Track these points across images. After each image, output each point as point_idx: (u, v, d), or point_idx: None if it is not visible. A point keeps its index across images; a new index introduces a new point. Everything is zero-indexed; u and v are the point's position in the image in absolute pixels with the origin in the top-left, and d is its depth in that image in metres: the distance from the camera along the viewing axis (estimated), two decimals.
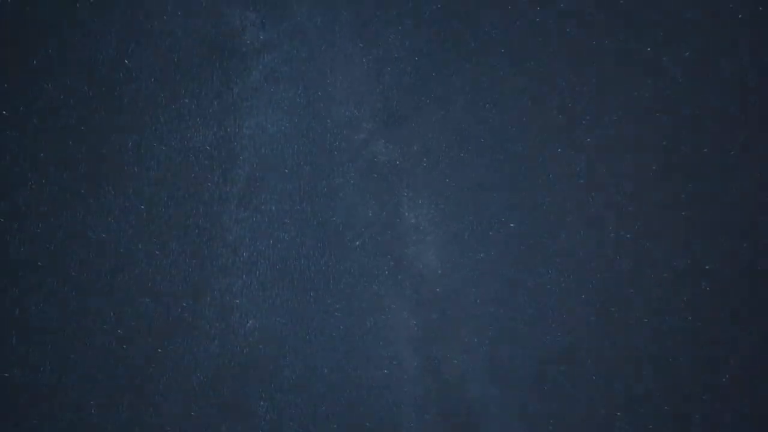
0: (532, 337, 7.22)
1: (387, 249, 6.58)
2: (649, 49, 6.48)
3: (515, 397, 6.99)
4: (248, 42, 5.95)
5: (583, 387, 6.99)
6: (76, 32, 5.50)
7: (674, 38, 6.58)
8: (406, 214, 6.56)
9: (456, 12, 6.16)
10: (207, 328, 6.02)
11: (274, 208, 6.11)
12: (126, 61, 5.48)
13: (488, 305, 6.84)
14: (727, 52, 6.66)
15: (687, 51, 6.49)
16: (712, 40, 6.59)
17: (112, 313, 5.74)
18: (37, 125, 5.53)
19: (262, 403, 6.16)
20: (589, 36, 6.63)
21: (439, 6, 6.03)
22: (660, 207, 6.81)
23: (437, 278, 6.75)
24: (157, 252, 5.74)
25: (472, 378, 7.02)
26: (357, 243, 6.44)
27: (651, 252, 7.03)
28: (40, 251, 5.60)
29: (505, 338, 7.06)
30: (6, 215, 5.36)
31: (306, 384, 6.35)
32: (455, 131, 6.48)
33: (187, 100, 5.73)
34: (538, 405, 7.03)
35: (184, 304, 5.82)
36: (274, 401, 6.24)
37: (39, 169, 5.57)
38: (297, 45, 5.93)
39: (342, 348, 6.53)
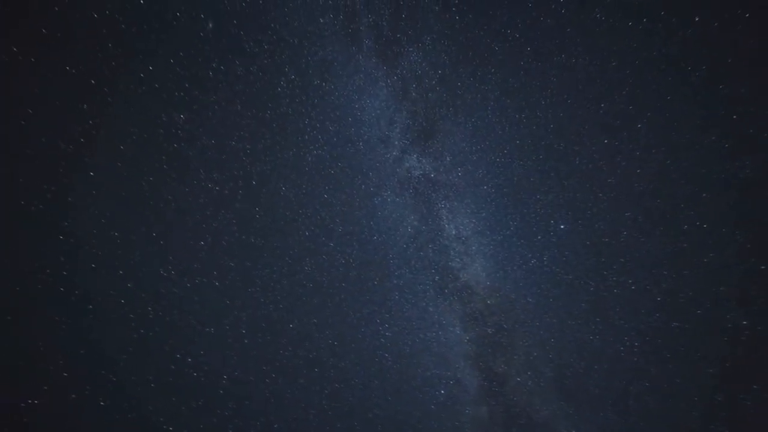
0: (604, 346, 4.57)
1: (430, 263, 4.60)
2: (678, 50, 4.22)
3: (592, 416, 4.38)
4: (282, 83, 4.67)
5: (666, 402, 4.25)
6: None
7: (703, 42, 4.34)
8: (447, 226, 4.66)
9: (474, 21, 4.39)
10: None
11: (308, 233, 4.51)
12: None
13: (548, 315, 4.41)
14: None
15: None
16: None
17: None
18: None
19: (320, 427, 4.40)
20: (616, 31, 4.50)
21: (456, 17, 4.31)
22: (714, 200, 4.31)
23: (487, 289, 4.55)
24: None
25: (540, 396, 4.49)
26: (399, 260, 4.55)
27: (722, 249, 4.38)
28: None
29: (573, 350, 4.49)
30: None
31: (360, 409, 4.35)
32: (488, 137, 4.56)
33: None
34: (618, 425, 4.36)
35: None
36: (333, 428, 4.41)
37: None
38: (325, 78, 4.48)
39: (395, 369, 4.48)
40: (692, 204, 4.88)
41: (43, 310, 4.85)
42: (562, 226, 4.78)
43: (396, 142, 5.17)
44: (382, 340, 4.90)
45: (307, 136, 5.10)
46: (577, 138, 5.09)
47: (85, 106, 4.97)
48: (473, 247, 4.93)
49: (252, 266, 5.27)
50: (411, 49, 5.12)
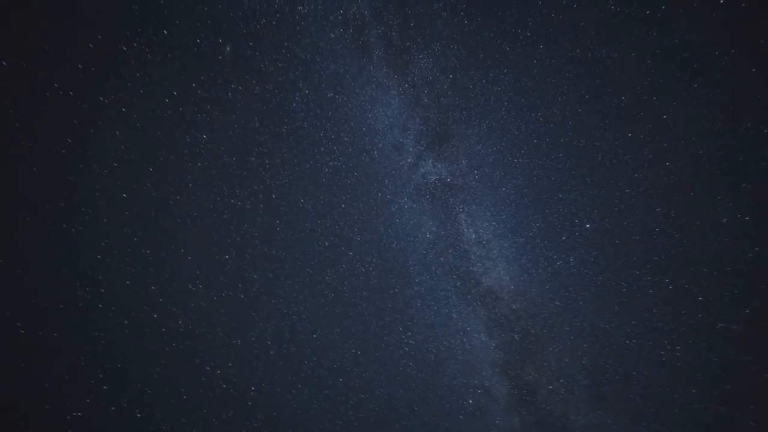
0: (642, 351, 4.01)
1: (451, 269, 4.27)
2: (696, 48, 3.79)
3: (632, 427, 3.82)
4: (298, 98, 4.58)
5: (708, 411, 3.64)
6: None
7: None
8: (466, 230, 4.32)
9: (483, 23, 4.13)
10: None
11: (328, 243, 4.31)
12: None
13: (579, 318, 3.93)
14: None
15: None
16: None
17: None
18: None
19: None
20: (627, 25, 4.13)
21: (465, 21, 4.05)
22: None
23: (511, 294, 4.14)
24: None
25: (575, 405, 3.98)
26: (420, 266, 4.25)
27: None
28: None
29: (608, 355, 3.96)
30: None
31: (387, 420, 4.02)
32: (504, 138, 4.23)
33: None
34: None
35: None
36: None
37: None
38: (338, 90, 4.33)
39: (420, 377, 4.12)
40: (731, 195, 4.31)
41: (80, 325, 4.83)
42: (587, 226, 4.32)
43: (410, 149, 4.91)
44: (405, 348, 4.56)
45: (323, 148, 4.93)
46: (599, 133, 4.64)
47: (117, 132, 5.01)
48: (495, 251, 4.54)
49: (274, 278, 5.09)
50: (421, 56, 4.88)
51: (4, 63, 4.27)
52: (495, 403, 4.49)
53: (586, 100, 4.73)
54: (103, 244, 5.10)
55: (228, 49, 5.05)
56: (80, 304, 5.11)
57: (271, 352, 5.23)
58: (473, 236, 4.75)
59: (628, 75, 4.70)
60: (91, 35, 4.88)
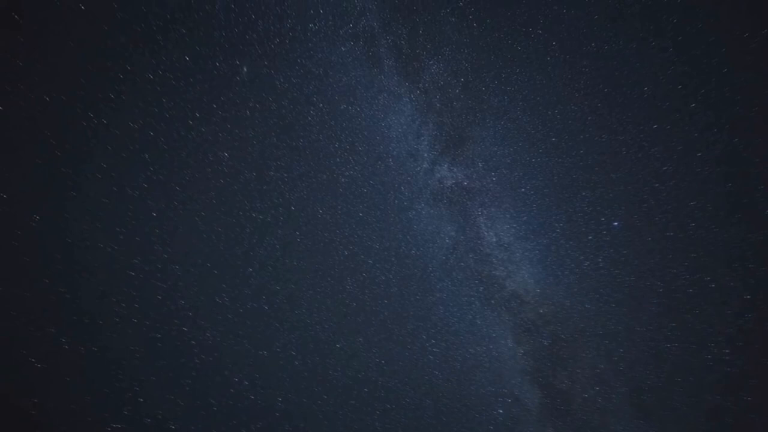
0: (685, 355, 3.49)
1: (473, 273, 3.94)
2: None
3: None
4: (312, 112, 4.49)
5: (754, 419, 3.07)
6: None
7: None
8: (486, 233, 3.99)
9: (493, 25, 3.89)
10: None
11: (347, 252, 4.13)
12: None
13: (612, 322, 3.48)
14: None
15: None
16: None
17: None
18: None
19: None
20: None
21: (474, 25, 3.83)
22: None
23: (538, 298, 3.75)
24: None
25: (614, 414, 3.49)
26: (440, 272, 3.95)
27: None
28: None
29: (648, 361, 3.46)
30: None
31: (414, 430, 3.68)
32: (520, 138, 3.93)
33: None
34: None
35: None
36: None
37: None
38: (350, 102, 4.21)
39: (446, 387, 3.78)
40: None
41: (116, 340, 4.80)
42: (615, 224, 3.89)
43: (425, 155, 4.67)
44: (430, 356, 4.23)
45: (338, 159, 4.76)
46: (621, 127, 4.22)
47: (146, 155, 5.04)
48: (517, 254, 4.17)
49: (296, 288, 4.91)
50: (431, 62, 4.66)
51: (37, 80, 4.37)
52: (527, 412, 4.06)
53: (605, 94, 4.33)
54: (135, 261, 5.11)
55: (245, 69, 5.04)
56: (116, 320, 5.10)
57: (296, 363, 5.02)
58: (494, 239, 4.39)
59: (650, 65, 4.28)
60: (121, 67, 4.97)
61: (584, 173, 4.23)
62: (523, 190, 4.33)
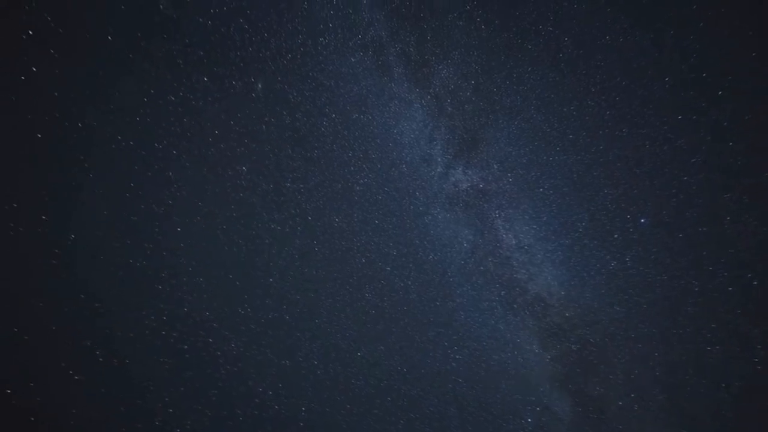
0: (729, 359, 3.04)
1: (493, 277, 3.66)
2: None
3: None
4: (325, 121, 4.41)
5: None
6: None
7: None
8: (505, 236, 3.73)
9: (502, 25, 3.68)
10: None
11: (364, 260, 3.97)
12: None
13: (645, 324, 3.11)
14: None
15: None
16: None
17: None
18: None
19: None
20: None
21: (482, 27, 3.64)
22: None
23: (563, 300, 3.42)
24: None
25: (653, 424, 3.08)
26: (459, 277, 3.70)
27: None
28: None
29: (688, 365, 3.03)
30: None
31: None
32: (536, 137, 3.67)
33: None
34: None
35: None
36: None
37: None
38: (362, 111, 4.07)
39: (471, 395, 3.50)
40: None
41: (147, 352, 4.76)
42: (642, 220, 3.54)
43: (439, 159, 4.48)
44: (453, 364, 3.95)
45: (352, 167, 4.61)
46: (643, 120, 3.88)
47: (170, 174, 5.06)
48: (538, 256, 3.86)
49: (316, 297, 4.75)
50: (441, 66, 4.48)
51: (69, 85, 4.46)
52: (558, 421, 3.70)
53: (623, 86, 4.01)
54: (163, 275, 5.09)
55: (260, 86, 5.02)
56: (146, 332, 5.09)
57: (319, 372, 4.84)
58: (513, 242, 4.10)
59: (670, 53, 3.94)
60: (146, 91, 5.04)
61: (605, 170, 3.90)
62: (541, 189, 4.04)
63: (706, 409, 3.55)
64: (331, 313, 5.02)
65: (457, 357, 4.15)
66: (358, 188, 4.95)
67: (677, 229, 3.87)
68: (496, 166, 4.39)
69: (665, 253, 3.87)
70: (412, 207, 4.70)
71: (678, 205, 4.00)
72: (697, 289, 3.78)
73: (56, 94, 4.78)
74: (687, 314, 3.75)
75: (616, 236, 3.82)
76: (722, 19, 3.78)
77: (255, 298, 5.06)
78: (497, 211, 4.23)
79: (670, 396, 3.61)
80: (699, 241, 3.89)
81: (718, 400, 3.48)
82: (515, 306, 3.98)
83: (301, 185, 5.00)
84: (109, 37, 4.79)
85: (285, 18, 4.93)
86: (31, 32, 4.52)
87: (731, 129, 3.86)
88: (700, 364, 3.60)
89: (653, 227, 3.89)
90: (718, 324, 3.70)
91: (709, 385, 3.59)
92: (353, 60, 4.95)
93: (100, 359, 4.96)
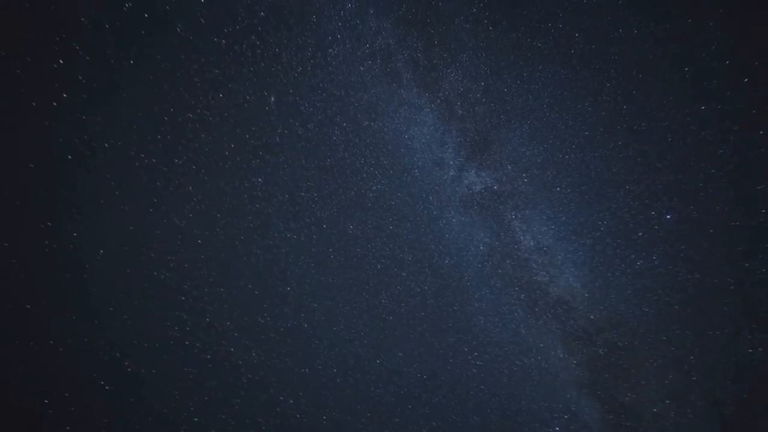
0: (766, 361, 2.62)
1: (512, 280, 3.45)
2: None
3: None
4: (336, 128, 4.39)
5: None
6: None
7: None
8: (522, 237, 3.52)
9: (510, 25, 3.54)
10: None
11: (380, 266, 3.86)
12: None
13: (678, 325, 2.79)
14: None
15: None
16: None
17: None
18: None
19: None
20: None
21: (490, 28, 3.51)
22: None
23: (586, 302, 3.17)
24: None
25: (689, 430, 2.73)
26: (477, 281, 3.51)
27: None
28: None
29: (728, 369, 2.67)
30: None
31: None
32: (550, 135, 3.48)
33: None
34: None
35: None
36: None
37: None
38: (372, 118, 3.98)
39: (494, 402, 3.29)
40: None
41: (170, 362, 4.73)
42: (668, 216, 3.27)
43: (451, 162, 4.32)
44: (474, 370, 3.73)
45: (365, 174, 4.51)
46: (663, 113, 3.62)
47: (190, 188, 5.08)
48: (559, 257, 3.62)
49: (333, 305, 4.63)
50: (449, 70, 4.34)
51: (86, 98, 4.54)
52: (587, 429, 3.42)
53: (640, 80, 3.76)
54: (185, 286, 5.09)
55: (272, 99, 5.00)
56: (171, 342, 5.08)
57: (338, 380, 4.69)
58: (531, 243, 3.87)
59: (688, 44, 3.67)
60: (166, 110, 5.10)
61: (625, 165, 3.64)
62: (558, 189, 3.80)
63: (747, 415, 3.20)
64: (349, 320, 4.88)
65: (478, 363, 3.92)
66: (371, 195, 4.84)
67: (707, 224, 3.56)
68: (510, 167, 4.18)
69: (695, 250, 3.56)
70: (426, 211, 4.54)
71: (706, 200, 3.69)
72: (732, 287, 3.45)
73: (84, 117, 4.88)
74: (724, 314, 3.42)
75: (640, 234, 3.54)
76: (745, 1, 3.50)
77: (273, 306, 4.98)
78: (513, 213, 4.01)
79: (708, 402, 3.27)
80: (732, 236, 3.57)
81: (759, 405, 3.12)
82: (537, 309, 3.73)
83: (315, 194, 4.93)
84: (132, 61, 4.89)
85: (295, 32, 4.91)
86: (61, 61, 4.66)
87: (760, 117, 3.55)
88: (740, 368, 3.26)
89: (680, 223, 3.59)
90: (759, 324, 3.35)
91: (751, 390, 3.24)
92: (362, 69, 4.88)
93: (129, 369, 4.96)
